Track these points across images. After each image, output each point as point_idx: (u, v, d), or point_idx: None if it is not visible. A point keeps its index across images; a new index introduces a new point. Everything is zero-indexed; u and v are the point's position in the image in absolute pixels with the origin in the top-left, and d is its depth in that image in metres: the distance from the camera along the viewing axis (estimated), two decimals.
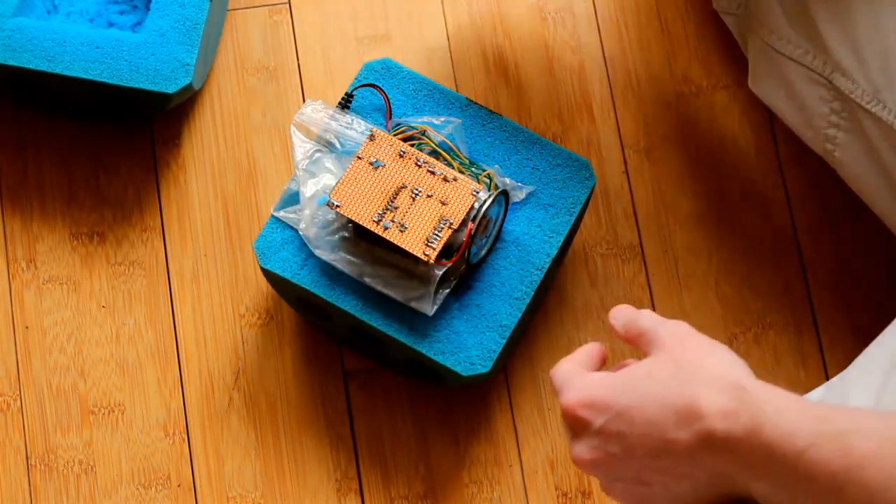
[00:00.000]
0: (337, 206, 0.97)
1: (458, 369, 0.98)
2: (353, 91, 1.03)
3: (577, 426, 0.81)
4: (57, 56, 1.05)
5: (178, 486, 1.05)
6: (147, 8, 1.10)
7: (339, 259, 0.99)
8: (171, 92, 1.04)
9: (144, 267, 1.09)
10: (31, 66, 1.05)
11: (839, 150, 0.98)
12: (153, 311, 1.08)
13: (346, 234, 1.00)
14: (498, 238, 1.01)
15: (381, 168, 0.98)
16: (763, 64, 0.99)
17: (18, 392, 1.07)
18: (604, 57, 1.14)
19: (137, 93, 1.05)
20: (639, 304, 1.07)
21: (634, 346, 0.84)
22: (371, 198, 0.98)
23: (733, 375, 0.76)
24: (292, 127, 1.01)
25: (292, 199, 1.01)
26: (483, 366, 0.98)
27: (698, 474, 0.78)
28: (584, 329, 1.08)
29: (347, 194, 0.98)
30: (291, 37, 1.14)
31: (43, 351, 1.08)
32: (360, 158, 0.99)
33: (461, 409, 1.07)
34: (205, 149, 1.12)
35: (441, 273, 0.97)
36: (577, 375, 0.83)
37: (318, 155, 1.01)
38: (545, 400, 1.07)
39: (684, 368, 0.78)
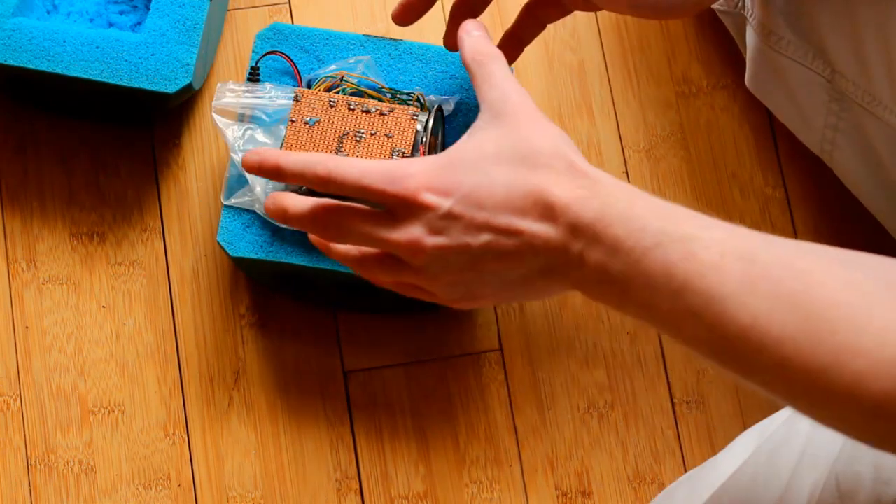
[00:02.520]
0: None
1: None
2: (256, 63, 1.03)
3: (418, 212, 0.79)
4: (57, 56, 1.05)
5: (178, 486, 1.05)
6: (147, 8, 1.10)
7: None
8: (171, 92, 1.04)
9: (144, 267, 1.09)
10: (31, 66, 1.05)
11: (837, 151, 0.98)
12: (153, 311, 1.08)
13: None
14: None
15: (317, 124, 0.99)
16: (761, 64, 0.99)
17: (18, 392, 1.07)
18: (604, 57, 1.14)
19: (137, 93, 1.05)
20: None
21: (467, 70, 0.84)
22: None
23: (568, 155, 0.76)
24: (214, 115, 1.01)
25: (238, 183, 1.01)
26: None
27: (534, 263, 0.77)
28: (585, 330, 1.08)
29: None
30: None
31: (43, 351, 1.08)
32: (293, 121, 0.99)
33: (461, 409, 1.07)
34: (205, 149, 1.12)
35: None
36: (405, 161, 0.80)
37: (248, 132, 1.02)
38: (545, 400, 1.07)
39: (525, 148, 0.77)
